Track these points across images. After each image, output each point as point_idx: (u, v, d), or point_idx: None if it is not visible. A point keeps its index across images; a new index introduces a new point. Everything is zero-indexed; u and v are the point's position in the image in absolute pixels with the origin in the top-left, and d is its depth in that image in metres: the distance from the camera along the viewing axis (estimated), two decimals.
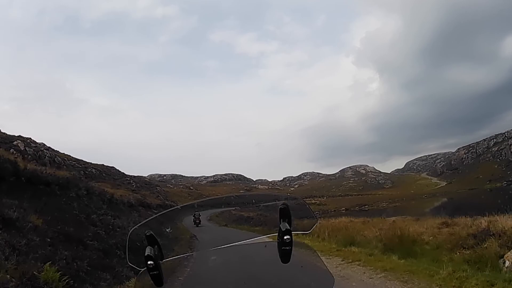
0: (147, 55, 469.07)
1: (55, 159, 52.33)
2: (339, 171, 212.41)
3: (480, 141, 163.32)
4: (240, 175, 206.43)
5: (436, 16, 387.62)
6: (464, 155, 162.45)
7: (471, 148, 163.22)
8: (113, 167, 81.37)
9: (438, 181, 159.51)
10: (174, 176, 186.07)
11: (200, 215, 27.00)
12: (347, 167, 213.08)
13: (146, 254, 1.64)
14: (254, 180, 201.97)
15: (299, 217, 1.90)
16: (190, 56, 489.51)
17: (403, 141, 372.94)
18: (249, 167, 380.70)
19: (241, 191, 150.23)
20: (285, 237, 1.61)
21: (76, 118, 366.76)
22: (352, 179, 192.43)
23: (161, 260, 1.74)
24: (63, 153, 60.47)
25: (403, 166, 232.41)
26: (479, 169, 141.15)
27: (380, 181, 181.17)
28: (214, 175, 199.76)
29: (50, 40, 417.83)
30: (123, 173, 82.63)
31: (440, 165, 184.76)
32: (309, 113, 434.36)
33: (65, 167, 47.45)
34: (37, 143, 50.54)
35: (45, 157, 48.25)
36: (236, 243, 2.06)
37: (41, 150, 49.59)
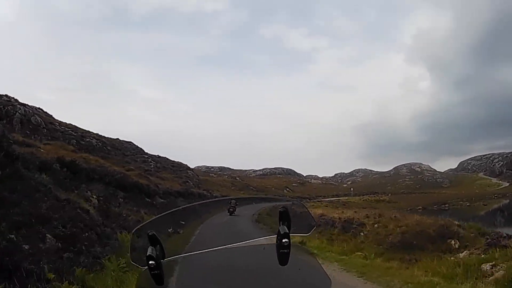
0: (196, 48, 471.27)
1: (32, 118, 46.06)
2: (393, 169, 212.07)
3: None
4: (290, 169, 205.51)
5: (487, 13, 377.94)
6: None
7: None
8: (130, 142, 71.35)
9: (499, 182, 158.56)
10: (221, 169, 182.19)
11: (237, 205, 23.75)
12: (401, 165, 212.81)
13: (147, 254, 1.71)
14: (305, 175, 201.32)
15: (299, 221, 1.98)
16: (240, 50, 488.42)
17: (452, 141, 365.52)
18: (299, 162, 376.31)
19: (293, 185, 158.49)
20: (284, 240, 1.65)
21: (123, 108, 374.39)
22: (408, 177, 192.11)
23: (163, 260, 1.80)
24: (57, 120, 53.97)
25: (456, 166, 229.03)
26: None
27: (438, 180, 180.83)
28: (263, 169, 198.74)
29: (99, 32, 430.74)
30: (142, 149, 72.26)
31: (498, 165, 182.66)
32: (359, 110, 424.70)
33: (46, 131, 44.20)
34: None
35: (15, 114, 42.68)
36: (236, 244, 2.13)
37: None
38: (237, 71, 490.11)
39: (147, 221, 2.39)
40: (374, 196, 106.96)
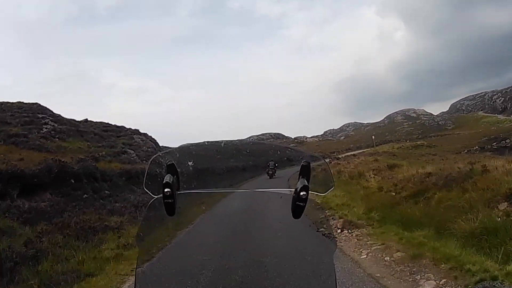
0: (169, 31, 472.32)
1: None
2: (385, 118, 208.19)
3: None
4: (278, 133, 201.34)
5: None
6: None
7: None
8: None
9: (507, 118, 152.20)
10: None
11: (276, 166, 23.75)
12: (394, 113, 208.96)
13: (164, 181, 1.66)
14: (293, 137, 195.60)
15: (317, 178, 1.92)
16: (212, 26, 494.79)
17: (434, 86, 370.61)
18: (284, 126, 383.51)
19: (292, 145, 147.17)
20: (302, 193, 1.62)
21: (106, 103, 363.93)
22: (405, 123, 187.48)
23: (178, 191, 1.76)
24: None
25: (448, 108, 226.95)
26: None
27: (439, 123, 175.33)
28: (249, 137, 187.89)
29: (69, 32, 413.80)
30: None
31: (500, 101, 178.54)
32: (338, 68, 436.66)
33: None
34: None
35: None
36: (255, 190, 2.18)
37: None
38: (212, 47, 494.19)
39: (167, 150, 2.46)
40: (407, 142, 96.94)
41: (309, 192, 1.65)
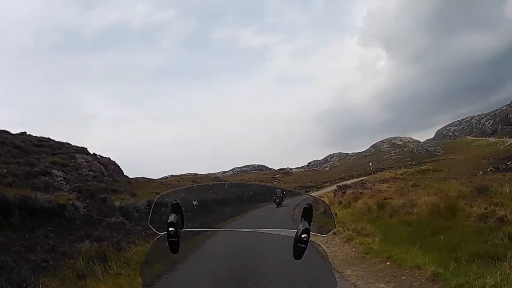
0: (152, 61, 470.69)
1: None
2: (371, 147, 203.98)
3: None
4: (261, 165, 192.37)
5: None
6: None
7: None
8: None
9: (501, 139, 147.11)
10: (188, 175, 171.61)
11: (283, 194, 22.48)
12: (379, 142, 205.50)
13: (169, 220, 1.71)
14: (276, 169, 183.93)
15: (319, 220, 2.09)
16: (195, 57, 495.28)
17: (417, 114, 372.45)
18: (268, 159, 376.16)
19: (277, 175, 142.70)
20: (303, 236, 1.67)
21: (89, 132, 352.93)
22: (392, 152, 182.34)
23: (181, 229, 1.80)
24: None
25: (433, 136, 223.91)
26: None
27: (428, 149, 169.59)
28: (232, 169, 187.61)
29: (53, 59, 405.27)
30: None
31: (489, 123, 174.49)
32: (321, 99, 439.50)
33: None
34: None
35: None
36: (255, 230, 2.11)
37: None
38: (195, 78, 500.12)
39: (172, 190, 2.45)
40: (413, 168, 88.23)
41: (312, 233, 1.69)
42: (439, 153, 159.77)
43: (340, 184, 59.17)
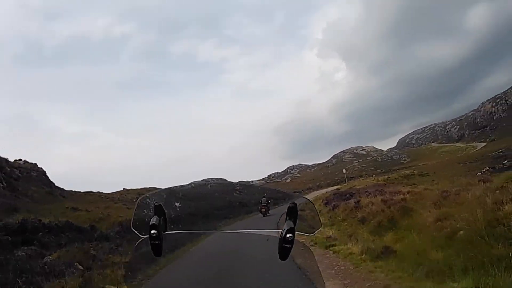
0: (112, 75, 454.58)
1: None
2: (332, 158, 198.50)
3: (506, 90, 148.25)
4: (221, 178, 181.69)
5: None
6: (493, 109, 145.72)
7: (498, 100, 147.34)
8: None
9: (470, 144, 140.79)
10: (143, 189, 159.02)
11: (269, 202, 21.22)
12: (340, 152, 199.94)
13: (151, 223, 1.66)
14: (236, 182, 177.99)
15: (305, 220, 1.98)
16: (154, 70, 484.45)
17: (377, 124, 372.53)
18: (227, 172, 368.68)
19: (238, 187, 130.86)
20: (288, 235, 1.64)
21: (50, 149, 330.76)
22: (355, 161, 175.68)
23: (164, 232, 1.75)
24: None
25: (395, 145, 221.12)
26: None
27: (393, 157, 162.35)
28: (191, 182, 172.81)
29: (11, 73, 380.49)
30: None
31: (455, 129, 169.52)
32: (280, 111, 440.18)
33: None
34: None
35: None
36: (239, 231, 2.09)
37: None
38: (155, 92, 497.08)
39: (155, 191, 2.56)
40: (394, 173, 76.76)
41: (297, 232, 1.66)
42: (405, 161, 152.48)
43: (319, 193, 50.87)
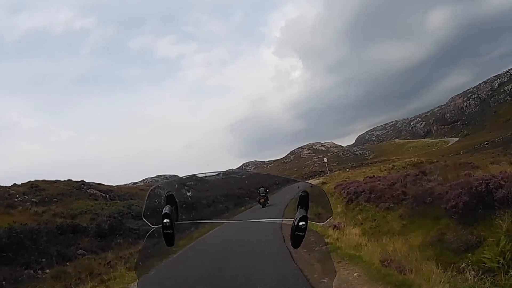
0: (72, 69, 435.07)
1: None
2: (290, 154, 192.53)
3: (478, 85, 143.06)
4: (174, 175, 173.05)
5: None
6: (464, 103, 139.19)
7: (469, 94, 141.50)
8: None
9: (439, 140, 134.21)
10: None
11: (267, 192, 18.43)
12: (299, 148, 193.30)
13: (164, 212, 1.67)
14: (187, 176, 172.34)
15: (316, 207, 1.95)
16: (112, 65, 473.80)
17: (334, 123, 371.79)
18: (182, 169, 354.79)
19: (189, 183, 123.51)
20: (301, 223, 1.63)
21: (8, 143, 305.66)
22: (315, 157, 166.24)
23: (176, 221, 1.76)
24: None
25: (354, 142, 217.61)
26: (501, 112, 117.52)
27: (357, 153, 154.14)
28: (144, 179, 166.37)
29: None
30: None
31: (420, 125, 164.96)
32: (236, 109, 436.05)
33: None
34: None
35: None
36: (253, 220, 3.69)
37: None
38: (113, 87, 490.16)
39: (165, 181, 2.51)
40: (398, 162, 64.55)
41: (309, 221, 1.65)
42: (370, 156, 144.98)
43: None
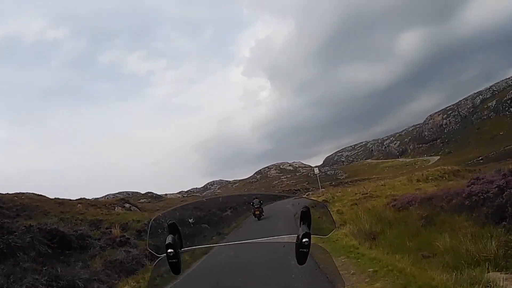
0: (41, 81, 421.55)
1: None
2: (256, 173, 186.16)
3: (458, 102, 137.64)
4: (136, 192, 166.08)
5: (329, 18, 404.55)
6: (444, 121, 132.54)
7: (449, 112, 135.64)
8: None
9: (418, 158, 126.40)
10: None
11: (261, 204, 19.84)
12: (265, 168, 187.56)
13: (167, 242, 1.68)
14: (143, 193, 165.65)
15: (318, 222, 1.96)
16: (81, 79, 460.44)
17: (301, 144, 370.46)
18: (147, 186, 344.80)
19: (142, 200, 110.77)
20: (304, 240, 1.63)
21: None
22: (283, 177, 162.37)
23: (181, 249, 1.77)
24: None
25: (322, 162, 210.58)
26: (485, 129, 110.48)
27: (328, 173, 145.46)
28: (106, 195, 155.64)
29: None
30: None
31: (395, 145, 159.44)
32: (202, 127, 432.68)
33: None
34: None
35: None
36: (255, 240, 2.08)
37: None
38: (81, 101, 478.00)
39: (167, 210, 2.61)
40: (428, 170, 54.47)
41: (312, 235, 1.64)
42: (342, 176, 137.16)
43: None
